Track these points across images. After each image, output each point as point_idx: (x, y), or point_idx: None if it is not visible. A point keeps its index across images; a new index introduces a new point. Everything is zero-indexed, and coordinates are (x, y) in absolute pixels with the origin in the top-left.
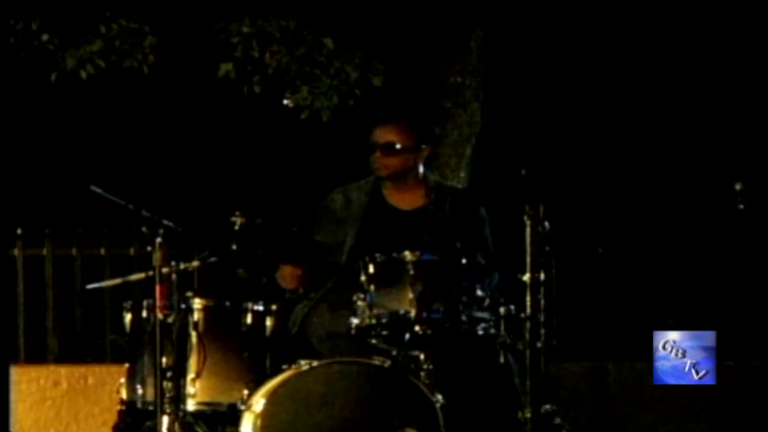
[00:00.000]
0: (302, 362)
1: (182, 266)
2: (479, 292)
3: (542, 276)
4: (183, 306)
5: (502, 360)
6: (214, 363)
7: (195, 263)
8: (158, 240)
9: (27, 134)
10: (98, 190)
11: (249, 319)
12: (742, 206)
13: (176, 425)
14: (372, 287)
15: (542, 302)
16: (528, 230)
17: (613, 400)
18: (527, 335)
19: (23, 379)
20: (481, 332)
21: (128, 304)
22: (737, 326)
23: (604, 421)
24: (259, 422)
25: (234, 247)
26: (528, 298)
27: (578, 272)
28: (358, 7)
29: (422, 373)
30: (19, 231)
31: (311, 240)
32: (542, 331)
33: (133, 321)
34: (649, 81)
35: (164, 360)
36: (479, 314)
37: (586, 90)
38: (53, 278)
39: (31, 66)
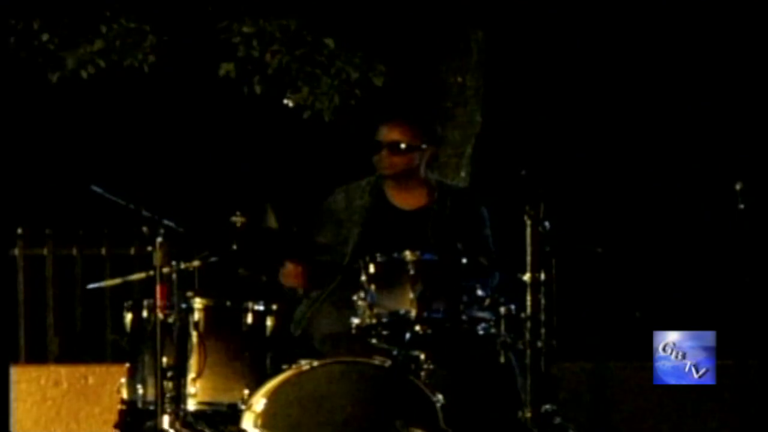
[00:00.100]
0: (303, 362)
1: (183, 266)
2: (480, 292)
3: (542, 276)
4: (183, 306)
5: (502, 360)
6: (215, 363)
7: (195, 263)
8: (159, 240)
9: (27, 134)
10: (99, 190)
11: (249, 319)
12: (742, 206)
13: (177, 425)
14: (372, 287)
15: (542, 302)
16: (528, 230)
17: (613, 400)
18: (527, 335)
19: (23, 379)
20: (481, 332)
21: (129, 303)
22: (736, 326)
23: (604, 421)
24: (259, 422)
25: (234, 246)
26: (528, 298)
27: (578, 272)
28: (358, 7)
29: (423, 373)
30: (19, 231)
31: (311, 240)
32: (542, 330)
33: (133, 321)
34: (650, 81)
35: (165, 360)
36: (480, 314)
37: (586, 90)
38: (54, 278)
39: (31, 66)
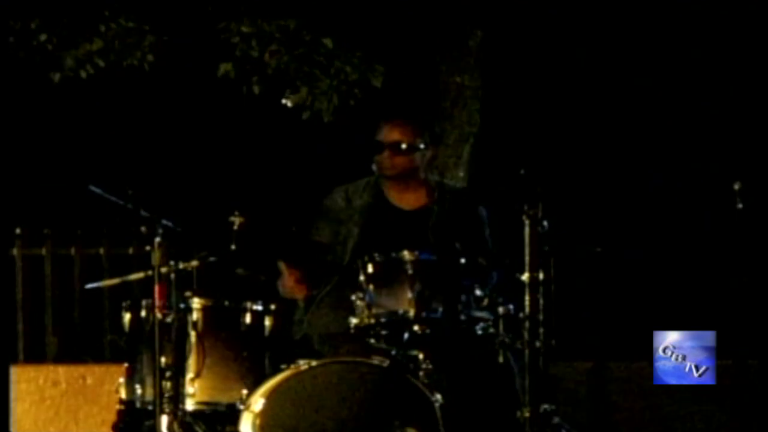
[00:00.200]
0: (301, 362)
1: (181, 266)
2: (478, 292)
3: (541, 275)
4: (182, 306)
5: (501, 360)
6: (213, 363)
7: (194, 263)
8: (157, 240)
9: (26, 134)
10: (97, 190)
11: (248, 319)
12: (740, 206)
13: (175, 425)
14: (371, 287)
15: (541, 302)
16: (527, 230)
17: (612, 400)
18: (526, 335)
19: (22, 379)
20: (480, 332)
21: (127, 303)
22: (736, 326)
23: (604, 421)
24: (258, 422)
25: (233, 246)
26: (527, 298)
27: (577, 272)
28: (357, 7)
29: (421, 373)
30: (18, 231)
31: (309, 240)
32: (541, 330)
33: (132, 321)
34: (649, 81)
35: (163, 360)
36: (478, 314)
37: (585, 90)
38: (52, 278)
39: (31, 66)
